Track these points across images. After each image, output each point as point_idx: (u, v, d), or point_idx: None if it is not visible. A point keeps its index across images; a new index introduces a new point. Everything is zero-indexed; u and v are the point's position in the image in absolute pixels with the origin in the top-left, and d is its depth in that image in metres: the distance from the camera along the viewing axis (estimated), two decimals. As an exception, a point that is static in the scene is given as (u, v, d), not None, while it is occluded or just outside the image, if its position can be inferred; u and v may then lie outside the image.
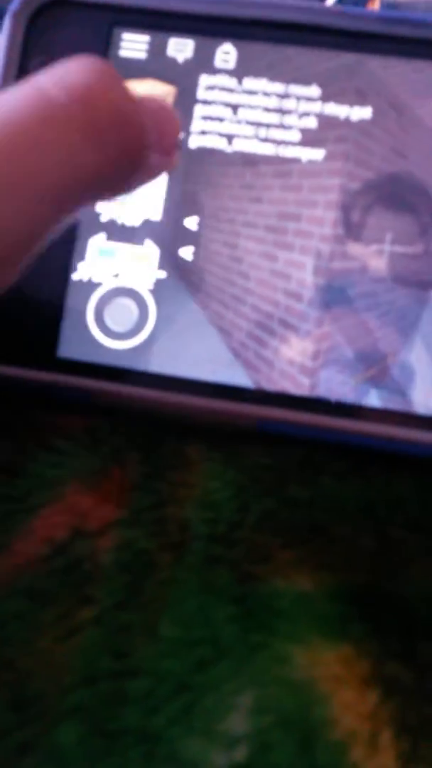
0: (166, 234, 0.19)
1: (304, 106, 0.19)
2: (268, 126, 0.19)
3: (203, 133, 0.19)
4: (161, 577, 0.15)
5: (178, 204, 0.19)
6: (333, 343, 0.18)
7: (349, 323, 0.18)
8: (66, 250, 0.19)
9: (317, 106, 0.18)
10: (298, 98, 0.19)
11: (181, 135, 0.19)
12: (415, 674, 0.13)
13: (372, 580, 0.15)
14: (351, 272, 0.18)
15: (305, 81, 0.18)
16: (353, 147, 0.18)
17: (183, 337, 0.18)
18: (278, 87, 0.19)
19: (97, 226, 0.19)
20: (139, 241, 0.19)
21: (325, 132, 0.18)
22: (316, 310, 0.18)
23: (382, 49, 0.18)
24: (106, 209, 0.19)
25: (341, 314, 0.18)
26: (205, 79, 0.19)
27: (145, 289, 0.19)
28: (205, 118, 0.19)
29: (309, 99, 0.18)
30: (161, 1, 0.19)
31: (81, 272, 0.19)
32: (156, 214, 0.19)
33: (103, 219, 0.19)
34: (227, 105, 0.19)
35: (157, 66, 0.19)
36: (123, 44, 0.19)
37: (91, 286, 0.19)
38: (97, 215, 0.19)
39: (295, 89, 0.19)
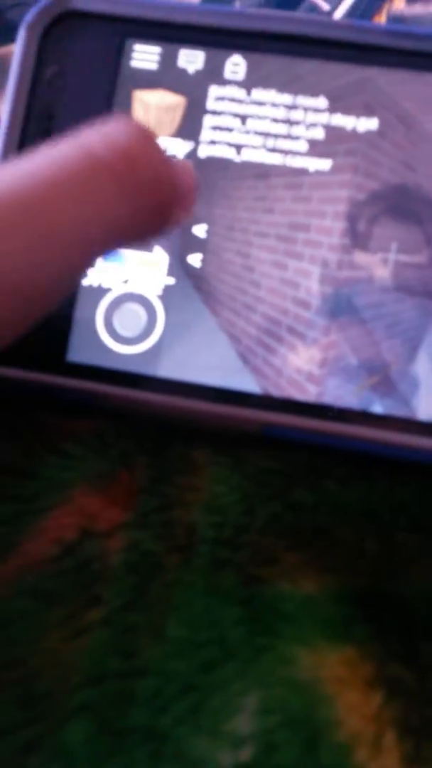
0: (175, 241, 0.19)
1: (311, 117, 0.19)
2: (276, 136, 0.19)
3: (212, 142, 0.19)
4: (168, 579, 0.15)
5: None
6: (339, 350, 0.18)
7: (355, 331, 0.18)
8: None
9: (325, 117, 0.19)
10: (306, 109, 0.19)
11: (191, 144, 0.19)
12: (418, 676, 0.14)
13: (375, 583, 0.15)
14: (358, 281, 0.18)
15: (313, 92, 0.19)
16: (361, 159, 0.18)
17: (191, 343, 0.19)
18: (286, 98, 0.19)
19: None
20: (148, 248, 0.19)
21: (332, 143, 0.19)
22: (324, 319, 0.18)
23: (389, 62, 0.18)
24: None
25: (348, 322, 0.18)
26: (214, 90, 0.19)
27: (153, 295, 0.19)
28: (215, 128, 0.19)
29: (317, 110, 0.19)
30: (172, 13, 0.19)
31: (91, 278, 0.19)
32: (165, 221, 0.19)
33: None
34: (236, 115, 0.19)
35: (167, 77, 0.19)
36: (135, 55, 0.19)
37: (100, 291, 0.19)
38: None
39: (303, 100, 0.19)
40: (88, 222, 0.12)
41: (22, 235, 0.11)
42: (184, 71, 0.19)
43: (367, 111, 0.19)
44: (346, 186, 0.19)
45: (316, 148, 0.19)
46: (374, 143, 0.19)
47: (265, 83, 0.19)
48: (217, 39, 0.19)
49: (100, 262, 0.19)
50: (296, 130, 0.19)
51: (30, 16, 0.19)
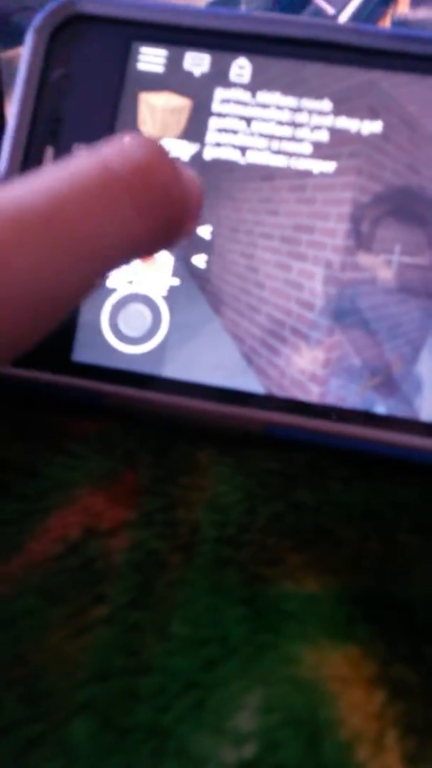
0: (180, 242, 0.19)
1: (316, 120, 0.19)
2: (280, 139, 0.19)
3: (218, 145, 0.19)
4: (172, 578, 0.15)
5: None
6: (342, 351, 0.18)
7: (358, 333, 0.18)
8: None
9: (329, 120, 0.19)
10: (311, 112, 0.19)
11: (196, 146, 0.19)
12: (422, 677, 0.14)
13: (377, 584, 0.15)
14: (362, 283, 0.18)
15: (318, 95, 0.19)
16: (365, 161, 0.19)
17: (195, 343, 0.19)
18: (291, 101, 0.19)
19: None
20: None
21: (337, 145, 0.19)
22: (327, 320, 0.18)
23: (394, 65, 0.19)
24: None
25: (351, 324, 0.18)
26: (220, 93, 0.19)
27: (158, 295, 0.19)
28: (220, 130, 0.19)
29: (321, 113, 0.19)
30: (179, 16, 0.19)
31: (96, 279, 0.19)
32: (170, 223, 0.19)
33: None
34: (241, 118, 0.19)
35: (173, 79, 0.19)
36: (141, 58, 0.19)
37: (105, 291, 0.19)
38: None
39: (308, 103, 0.19)
40: (104, 235, 0.12)
41: (41, 249, 0.11)
42: (189, 74, 0.19)
43: (372, 114, 0.19)
44: (350, 188, 0.19)
45: (320, 151, 0.19)
46: (378, 146, 0.19)
47: (270, 86, 0.19)
48: (223, 42, 0.19)
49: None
50: (301, 133, 0.19)
51: (38, 19, 0.19)
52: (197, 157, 0.19)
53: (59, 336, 0.19)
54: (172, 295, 0.19)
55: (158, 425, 0.19)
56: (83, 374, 0.19)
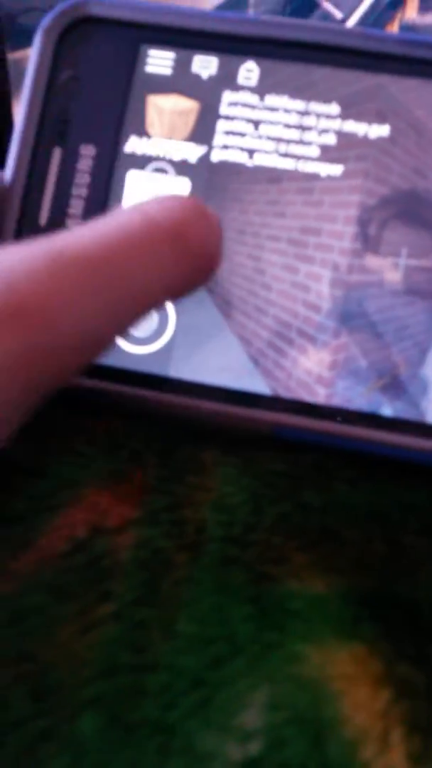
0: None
1: (323, 123, 0.19)
2: (288, 142, 0.19)
3: (225, 147, 0.19)
4: (178, 576, 0.15)
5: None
6: (349, 353, 0.18)
7: (365, 335, 0.18)
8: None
9: (337, 124, 0.19)
10: (318, 115, 0.19)
11: (204, 149, 0.19)
12: (427, 676, 0.14)
13: (383, 584, 0.15)
14: (369, 285, 0.19)
15: (325, 99, 0.19)
16: (372, 164, 0.19)
17: (202, 344, 0.19)
18: (299, 104, 0.19)
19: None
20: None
21: (344, 148, 0.19)
22: (334, 322, 0.19)
23: (401, 70, 0.19)
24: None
25: (358, 326, 0.18)
26: (228, 96, 0.19)
27: (165, 296, 0.19)
28: (227, 133, 0.19)
29: (329, 116, 0.19)
30: (187, 20, 0.20)
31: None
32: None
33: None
34: (249, 121, 0.19)
35: (181, 82, 0.20)
36: (149, 60, 0.20)
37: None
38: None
39: (316, 107, 0.19)
40: (151, 282, 0.13)
41: (95, 290, 0.13)
42: (198, 77, 0.20)
43: (379, 118, 0.19)
44: (357, 191, 0.19)
45: (327, 154, 0.19)
46: (385, 149, 0.19)
47: (278, 89, 0.19)
48: (231, 45, 0.19)
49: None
50: (308, 136, 0.19)
51: (46, 21, 0.20)
52: (204, 160, 0.19)
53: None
54: (179, 296, 0.19)
55: (165, 426, 0.19)
56: (90, 374, 0.19)
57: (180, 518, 0.17)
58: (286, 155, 0.19)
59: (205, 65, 0.20)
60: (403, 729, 0.13)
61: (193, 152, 0.19)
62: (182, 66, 0.20)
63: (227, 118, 0.19)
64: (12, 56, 0.29)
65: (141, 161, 0.19)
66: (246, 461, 0.18)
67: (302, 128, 0.19)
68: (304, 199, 0.19)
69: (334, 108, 0.19)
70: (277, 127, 0.19)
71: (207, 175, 0.19)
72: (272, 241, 0.19)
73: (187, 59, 0.20)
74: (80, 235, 0.13)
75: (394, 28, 0.28)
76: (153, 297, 0.14)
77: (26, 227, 0.19)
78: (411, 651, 0.14)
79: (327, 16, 0.28)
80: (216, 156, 0.19)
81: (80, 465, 0.18)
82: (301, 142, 0.19)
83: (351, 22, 0.27)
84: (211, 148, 0.19)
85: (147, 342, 0.19)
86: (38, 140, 0.20)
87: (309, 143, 0.19)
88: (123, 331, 0.14)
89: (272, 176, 0.19)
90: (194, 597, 0.15)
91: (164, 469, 0.18)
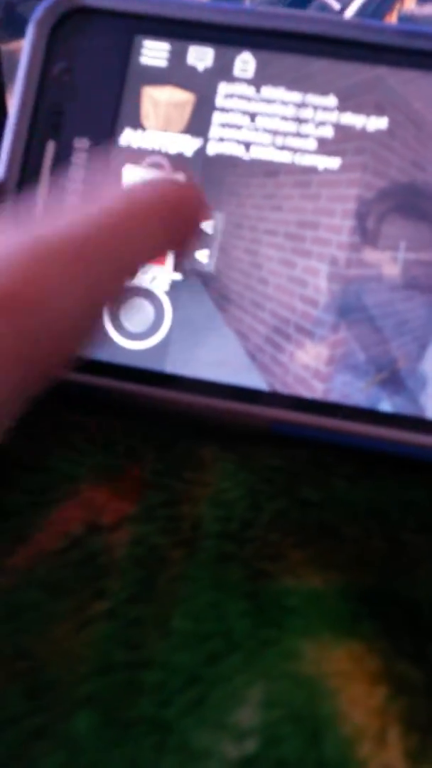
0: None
1: (321, 116, 0.19)
2: (285, 134, 0.19)
3: (221, 140, 0.19)
4: (174, 573, 0.15)
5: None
6: (348, 348, 0.18)
7: (364, 329, 0.18)
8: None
9: (334, 116, 0.19)
10: (316, 108, 0.19)
11: (200, 141, 0.19)
12: (425, 674, 0.14)
13: (381, 581, 0.15)
14: (367, 279, 0.18)
15: (323, 91, 0.19)
16: (370, 157, 0.19)
17: (199, 339, 0.19)
18: (296, 96, 0.19)
19: None
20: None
21: (342, 141, 0.19)
22: (332, 316, 0.18)
23: (400, 61, 0.19)
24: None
25: (356, 320, 0.18)
26: (223, 87, 0.19)
27: (161, 290, 0.19)
28: (223, 125, 0.19)
29: (326, 109, 0.19)
30: (182, 10, 0.19)
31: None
32: (174, 218, 0.19)
33: None
34: (245, 113, 0.19)
35: (177, 74, 0.19)
36: (144, 52, 0.19)
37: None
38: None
39: (313, 99, 0.19)
40: (135, 251, 0.13)
41: (90, 267, 0.13)
42: (193, 68, 0.19)
43: (377, 110, 0.19)
44: (355, 184, 0.19)
45: (325, 147, 0.19)
46: (384, 142, 0.19)
47: (275, 81, 0.19)
48: (227, 36, 0.19)
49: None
50: (305, 128, 0.19)
51: (39, 12, 0.19)
52: (200, 152, 0.19)
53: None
54: (175, 291, 0.19)
55: (161, 421, 0.19)
56: (86, 370, 0.19)
57: (176, 514, 0.16)
58: (283, 148, 0.19)
59: (200, 56, 0.19)
60: (401, 727, 0.13)
61: (188, 145, 0.19)
62: (177, 57, 0.19)
63: (223, 110, 0.19)
64: (7, 47, 0.28)
65: (136, 154, 0.19)
66: (243, 457, 0.18)
67: (299, 121, 0.19)
68: (302, 193, 0.19)
69: (332, 100, 0.19)
70: (273, 120, 0.19)
71: (203, 169, 0.19)
72: (269, 236, 0.19)
73: (183, 50, 0.19)
74: (63, 219, 0.13)
75: (392, 19, 0.28)
76: (139, 264, 0.14)
77: (21, 221, 0.19)
78: (409, 648, 0.14)
79: (324, 7, 0.28)
80: (212, 149, 0.19)
81: (76, 461, 0.17)
82: (298, 134, 0.19)
83: (349, 13, 0.27)
84: (206, 140, 0.19)
85: (143, 337, 0.19)
86: (32, 133, 0.19)
87: (306, 136, 0.19)
88: (109, 300, 0.14)
89: (269, 169, 0.19)
90: (190, 594, 0.15)
91: (161, 464, 0.18)
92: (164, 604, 0.15)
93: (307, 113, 0.19)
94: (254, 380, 0.18)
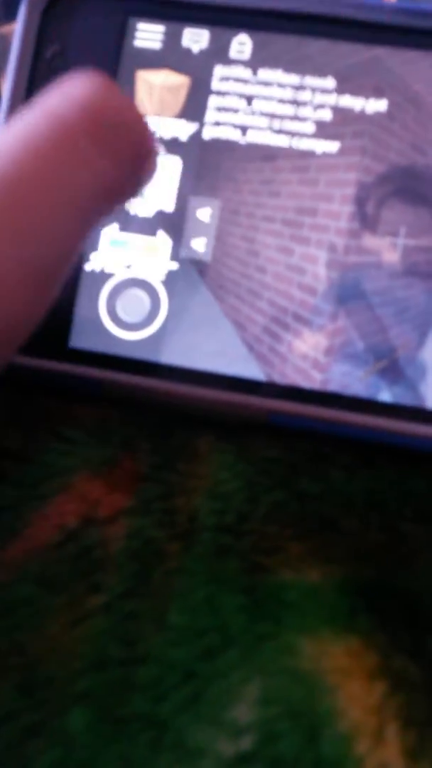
0: (179, 225, 0.19)
1: (319, 98, 0.18)
2: (282, 118, 0.19)
3: (217, 124, 0.19)
4: (170, 566, 0.15)
5: (190, 195, 0.19)
6: (346, 337, 0.18)
7: (363, 318, 0.18)
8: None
9: (333, 99, 0.18)
10: (314, 90, 0.18)
11: (195, 126, 0.19)
12: (423, 669, 0.13)
13: (381, 574, 0.15)
14: (366, 266, 0.18)
15: (321, 73, 0.18)
16: (370, 141, 0.18)
17: (195, 329, 0.18)
18: (293, 78, 0.19)
19: (109, 216, 0.19)
20: (152, 232, 0.19)
21: (340, 124, 0.18)
22: (331, 305, 0.18)
23: (400, 41, 0.18)
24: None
25: (355, 308, 0.18)
26: (219, 70, 0.19)
27: (157, 280, 0.19)
28: (220, 109, 0.19)
29: (324, 91, 0.18)
30: (177, -9, 0.19)
31: (93, 263, 0.19)
32: (169, 205, 0.19)
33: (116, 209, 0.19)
34: (242, 96, 0.19)
35: (172, 56, 0.19)
36: (138, 34, 0.19)
37: (103, 276, 0.19)
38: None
39: (311, 81, 0.18)
40: (69, 186, 0.12)
41: (16, 215, 0.11)
42: (188, 51, 0.19)
43: (376, 92, 0.18)
44: (354, 169, 0.18)
45: (323, 130, 0.18)
46: (383, 125, 0.18)
47: (272, 63, 0.19)
48: (223, 17, 0.19)
49: (103, 247, 0.19)
50: (303, 111, 0.18)
51: (31, -6, 0.19)
52: (196, 137, 0.19)
53: (56, 322, 0.19)
54: (170, 280, 0.19)
55: (157, 412, 0.18)
56: (80, 361, 0.18)
57: (172, 507, 0.16)
58: (280, 132, 0.19)
59: (195, 38, 0.19)
60: (399, 723, 0.13)
61: (184, 129, 0.19)
62: (172, 39, 0.19)
63: (219, 93, 0.19)
64: (0, 30, 0.28)
65: None
66: (240, 448, 0.18)
67: (297, 103, 0.18)
68: (300, 178, 0.18)
69: (330, 82, 0.18)
70: (270, 103, 0.19)
71: (199, 154, 0.19)
72: (266, 222, 0.18)
73: (178, 32, 0.19)
74: None
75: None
76: (90, 201, 0.12)
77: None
78: (407, 643, 0.14)
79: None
80: (208, 133, 0.19)
81: (71, 453, 0.17)
82: (296, 118, 0.18)
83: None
84: (202, 124, 0.19)
85: (139, 328, 0.19)
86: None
87: (304, 119, 0.18)
88: (72, 247, 0.12)
89: (266, 154, 0.18)
90: (186, 588, 0.14)
91: (157, 456, 0.17)
92: (160, 599, 0.14)
93: (304, 96, 0.18)
94: (251, 370, 0.18)
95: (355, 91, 0.18)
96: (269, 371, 0.18)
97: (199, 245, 0.19)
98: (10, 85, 0.19)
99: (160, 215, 0.19)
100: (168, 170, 0.19)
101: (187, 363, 0.18)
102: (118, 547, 0.15)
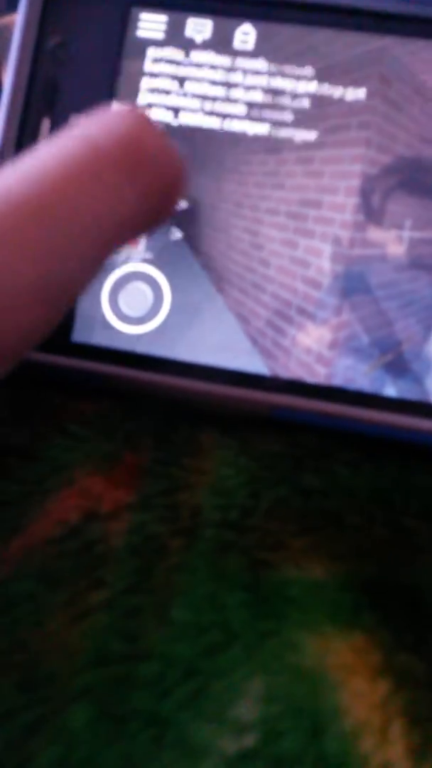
0: (183, 218, 0.19)
1: (324, 89, 0.18)
2: (282, 109, 0.18)
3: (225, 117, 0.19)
4: (172, 562, 0.15)
5: (195, 189, 0.19)
6: (351, 331, 0.18)
7: (368, 311, 0.18)
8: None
9: (338, 89, 0.18)
10: (320, 80, 0.18)
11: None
12: (427, 666, 0.13)
13: (384, 570, 0.15)
14: (371, 259, 0.18)
15: (326, 63, 0.18)
16: (375, 132, 0.18)
17: (198, 323, 0.18)
18: (297, 69, 0.18)
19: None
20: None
21: (346, 116, 0.18)
22: (335, 298, 0.18)
23: (406, 31, 0.18)
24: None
25: (360, 302, 0.18)
26: (219, 60, 0.18)
27: (159, 273, 0.19)
28: (224, 99, 0.18)
29: (329, 81, 0.18)
30: (180, -20, 0.19)
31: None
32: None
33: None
34: (248, 88, 0.18)
35: (175, 46, 0.19)
36: (140, 24, 0.19)
37: (105, 270, 0.19)
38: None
39: (314, 72, 0.18)
40: (100, 214, 0.12)
41: (38, 235, 0.11)
42: (191, 41, 0.19)
43: (382, 83, 0.18)
44: (359, 160, 0.18)
45: (328, 121, 0.18)
46: (388, 116, 0.18)
47: (276, 53, 0.18)
48: (227, 7, 0.18)
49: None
50: (306, 102, 0.18)
51: (33, -16, 0.19)
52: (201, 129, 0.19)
53: (58, 315, 0.18)
54: (173, 274, 0.19)
55: (160, 407, 0.18)
56: (83, 355, 0.18)
57: (175, 502, 0.16)
58: (281, 124, 0.18)
59: (199, 28, 0.19)
60: (403, 721, 0.12)
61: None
62: (175, 29, 0.19)
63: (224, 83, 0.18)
64: (2, 21, 0.28)
65: None
66: (244, 443, 0.18)
67: (298, 96, 0.18)
68: (304, 170, 0.18)
69: (335, 72, 0.18)
70: (266, 94, 0.18)
71: (205, 147, 0.18)
72: (270, 215, 0.18)
73: (181, 22, 0.19)
74: (11, 177, 0.11)
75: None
76: (112, 231, 0.12)
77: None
78: (411, 639, 0.14)
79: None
80: (184, 118, 0.18)
81: (73, 448, 0.17)
82: (298, 110, 0.18)
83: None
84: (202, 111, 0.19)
85: (142, 322, 0.19)
86: (26, 111, 0.19)
87: (307, 111, 0.18)
88: (87, 273, 0.12)
89: (271, 146, 0.18)
90: (188, 584, 0.14)
91: (160, 451, 0.17)
92: (162, 595, 0.14)
93: (309, 87, 0.18)
94: (255, 364, 0.18)
95: (361, 82, 0.18)
96: (273, 365, 0.18)
97: (203, 238, 0.18)
98: (12, 76, 0.19)
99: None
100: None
101: (190, 357, 0.18)
102: (120, 542, 0.15)
